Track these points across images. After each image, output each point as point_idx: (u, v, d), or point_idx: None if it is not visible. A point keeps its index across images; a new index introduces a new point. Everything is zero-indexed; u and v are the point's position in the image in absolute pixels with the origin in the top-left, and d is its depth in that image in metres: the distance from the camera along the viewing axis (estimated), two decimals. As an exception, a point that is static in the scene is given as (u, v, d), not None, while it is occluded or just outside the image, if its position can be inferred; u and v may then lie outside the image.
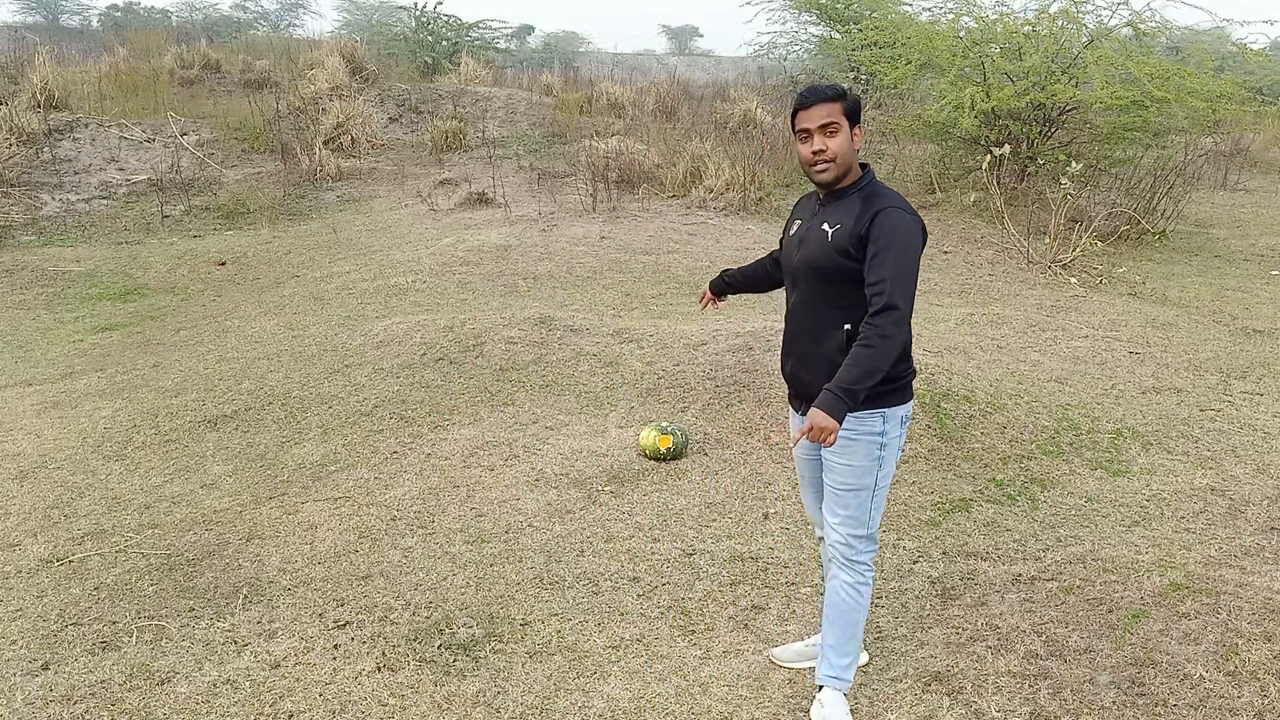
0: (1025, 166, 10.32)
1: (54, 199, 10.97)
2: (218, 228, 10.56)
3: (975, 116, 9.45)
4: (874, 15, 13.52)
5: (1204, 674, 2.89)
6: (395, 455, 4.61)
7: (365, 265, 8.32)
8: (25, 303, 8.00)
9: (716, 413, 4.95)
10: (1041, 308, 7.40)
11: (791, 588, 3.52)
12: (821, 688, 2.79)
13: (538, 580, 3.56)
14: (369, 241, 9.48)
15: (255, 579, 3.58)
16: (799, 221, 2.77)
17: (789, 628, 3.28)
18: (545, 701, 2.90)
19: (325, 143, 12.91)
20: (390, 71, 17.34)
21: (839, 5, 16.61)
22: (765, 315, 6.25)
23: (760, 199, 10.52)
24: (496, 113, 15.11)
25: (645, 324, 6.10)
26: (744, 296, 5.57)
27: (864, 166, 2.66)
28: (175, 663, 3.07)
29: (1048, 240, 8.69)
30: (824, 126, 2.53)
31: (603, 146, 11.79)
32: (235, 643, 3.18)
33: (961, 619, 3.27)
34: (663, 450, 4.47)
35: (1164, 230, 9.67)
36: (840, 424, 2.42)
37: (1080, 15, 9.70)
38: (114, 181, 11.65)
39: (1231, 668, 2.91)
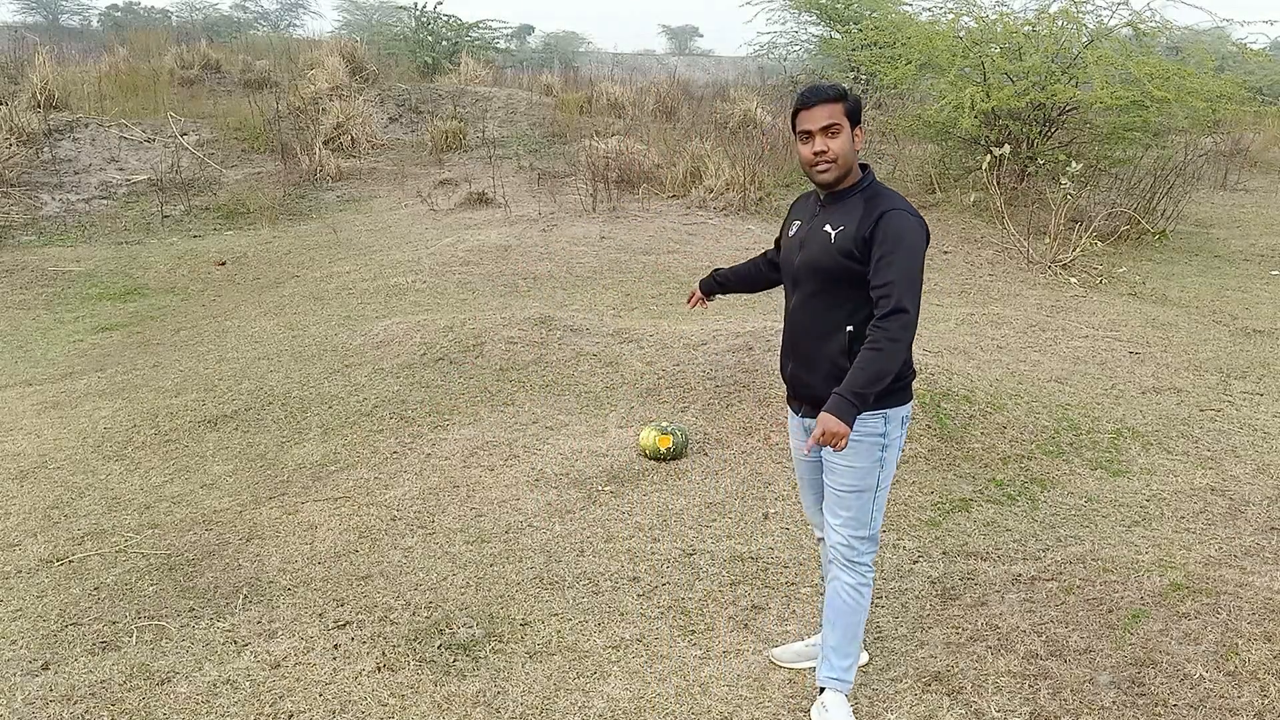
0: (1025, 166, 10.33)
1: (54, 199, 10.98)
2: (218, 228, 10.56)
3: (975, 116, 9.45)
4: (874, 15, 13.52)
5: (1204, 674, 2.89)
6: (395, 455, 4.61)
7: (365, 265, 8.32)
8: (25, 303, 8.00)
9: (716, 413, 4.95)
10: (1041, 308, 7.40)
11: (791, 588, 3.52)
12: (823, 690, 2.78)
13: (538, 580, 3.56)
14: (369, 241, 9.48)
15: (255, 579, 3.58)
16: (798, 223, 2.75)
17: (789, 628, 3.28)
18: (545, 701, 2.90)
19: (325, 143, 12.91)
20: (390, 71, 17.34)
21: (839, 5, 16.61)
22: (765, 315, 6.26)
23: (760, 199, 10.52)
24: (496, 113, 15.11)
25: (645, 324, 6.10)
26: (743, 296, 5.57)
27: (864, 167, 2.64)
28: (175, 663, 3.07)
29: (1048, 240, 8.69)
30: (826, 128, 2.52)
31: (603, 146, 11.79)
32: (235, 643, 3.18)
33: (961, 619, 3.27)
34: (663, 450, 4.47)
35: (1164, 230, 9.67)
36: (851, 428, 2.41)
37: (1080, 15, 9.70)
38: (114, 181, 11.65)
39: (1231, 668, 2.91)
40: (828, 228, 2.59)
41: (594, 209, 10.10)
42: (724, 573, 3.62)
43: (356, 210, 11.12)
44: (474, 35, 20.93)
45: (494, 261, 8.05)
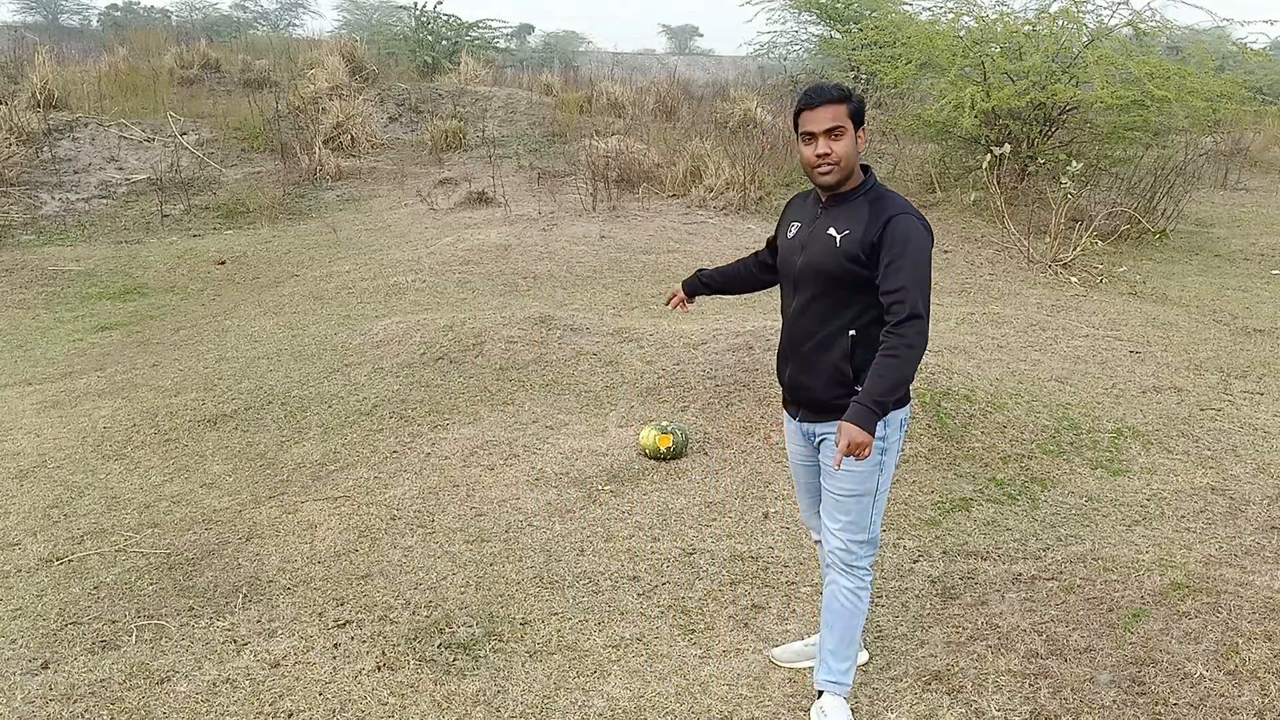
0: (1025, 166, 10.32)
1: (54, 198, 10.97)
2: (217, 227, 10.56)
3: (975, 116, 9.44)
4: (874, 15, 13.52)
5: (1204, 673, 2.89)
6: (395, 455, 4.61)
7: (365, 264, 8.32)
8: (25, 302, 8.00)
9: (716, 412, 4.95)
10: (1042, 307, 7.40)
11: (791, 587, 3.52)
12: (821, 693, 2.77)
13: (538, 579, 3.56)
14: (369, 241, 9.48)
15: (255, 578, 3.58)
16: (797, 224, 2.71)
17: (789, 627, 3.28)
18: (545, 701, 2.90)
19: (325, 142, 12.90)
20: (390, 71, 17.34)
21: (839, 5, 16.61)
22: (765, 315, 6.25)
23: (760, 198, 10.52)
24: (496, 112, 15.11)
25: (645, 323, 6.10)
26: (744, 295, 5.56)
27: (865, 169, 2.61)
28: (175, 662, 3.07)
29: (1048, 240, 8.69)
30: (829, 130, 2.48)
31: (603, 146, 11.78)
32: (235, 642, 3.18)
33: (961, 618, 3.27)
34: (663, 450, 4.47)
35: (1164, 230, 9.67)
36: (874, 436, 2.38)
37: (1080, 15, 9.70)
38: (114, 181, 11.65)
39: (1232, 667, 2.91)
40: (832, 231, 2.55)
41: (594, 208, 10.10)
42: (724, 572, 3.61)
43: (356, 210, 11.12)
44: (474, 35, 20.93)
45: (494, 261, 8.05)
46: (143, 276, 8.76)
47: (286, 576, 3.59)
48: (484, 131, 14.21)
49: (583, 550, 3.77)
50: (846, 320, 2.55)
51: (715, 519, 4.02)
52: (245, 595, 3.46)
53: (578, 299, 7.07)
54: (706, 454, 4.58)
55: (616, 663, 3.08)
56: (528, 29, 40.43)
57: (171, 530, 3.95)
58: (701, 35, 52.49)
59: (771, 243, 2.94)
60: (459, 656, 3.10)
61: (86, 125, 12.62)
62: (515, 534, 3.89)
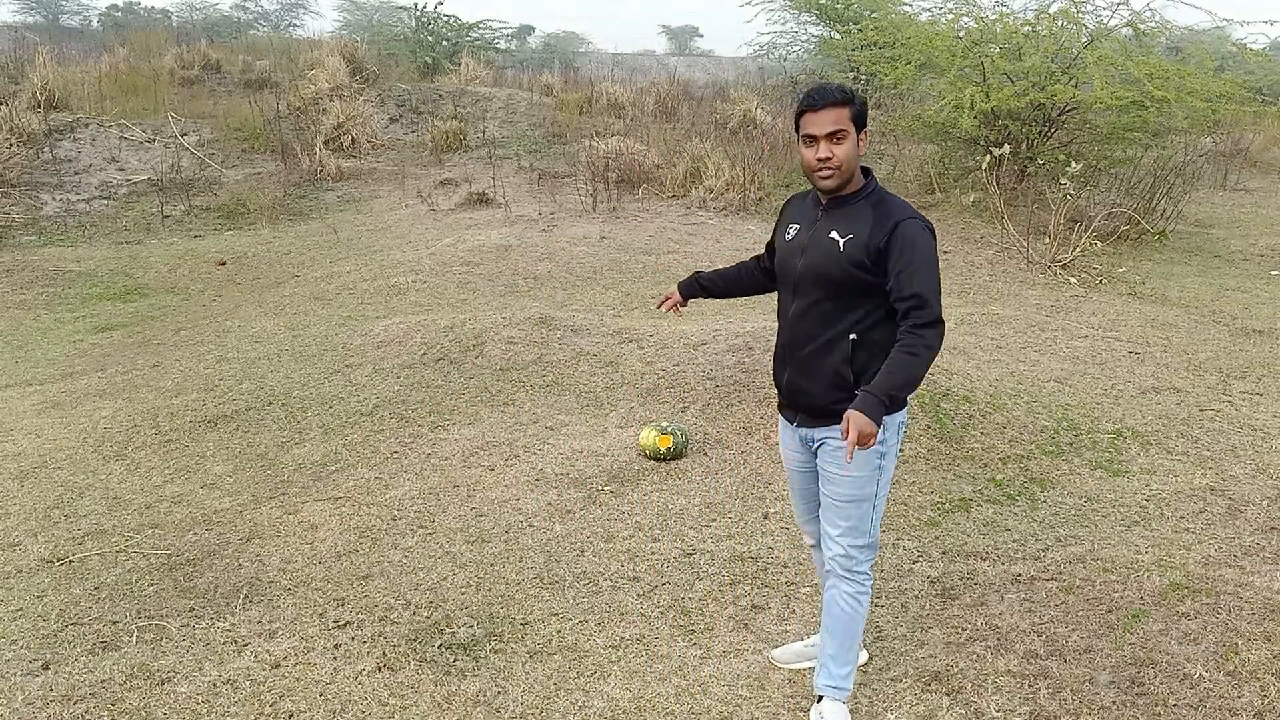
0: (1025, 166, 10.33)
1: (54, 199, 10.98)
2: (218, 228, 10.56)
3: (975, 116, 9.44)
4: (874, 15, 13.52)
5: (1204, 674, 2.89)
6: (395, 455, 4.62)
7: (365, 265, 8.32)
8: (25, 302, 8.00)
9: (716, 413, 4.95)
10: (1041, 308, 7.40)
11: (791, 587, 3.53)
12: (821, 697, 2.77)
13: (538, 580, 3.56)
14: (369, 241, 9.48)
15: (255, 579, 3.58)
16: (796, 226, 2.67)
17: (789, 627, 3.28)
18: (545, 701, 2.90)
19: (325, 143, 12.91)
20: (390, 72, 17.34)
21: (839, 5, 16.61)
22: (765, 315, 6.26)
23: (760, 199, 10.52)
24: (496, 113, 15.12)
25: (645, 324, 6.11)
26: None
27: (866, 171, 2.58)
28: (175, 662, 3.07)
29: (1047, 240, 8.69)
30: (831, 134, 2.44)
31: (603, 147, 11.79)
32: (235, 642, 3.18)
33: (961, 619, 3.28)
34: (663, 450, 4.47)
35: (1164, 230, 9.67)
36: (879, 429, 2.36)
37: (1080, 15, 9.70)
38: (114, 181, 11.66)
39: (1231, 667, 2.92)
40: (834, 235, 2.53)
41: (594, 209, 10.11)
42: (724, 572, 3.62)
43: (357, 210, 11.12)
44: (474, 35, 20.93)
45: (494, 261, 8.06)
46: (143, 277, 8.76)
47: (287, 577, 3.59)
48: (484, 132, 14.22)
49: (583, 551, 3.77)
50: (848, 324, 2.53)
51: (715, 519, 4.02)
52: (246, 596, 3.47)
53: (578, 300, 7.07)
54: (706, 454, 4.59)
55: (616, 663, 3.08)
56: (528, 30, 40.44)
57: (172, 531, 3.96)
58: (701, 36, 52.49)
59: (771, 246, 2.89)
60: (459, 657, 3.10)
61: (87, 126, 12.63)
62: (515, 534, 3.89)
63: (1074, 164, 8.60)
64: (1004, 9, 10.57)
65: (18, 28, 28.35)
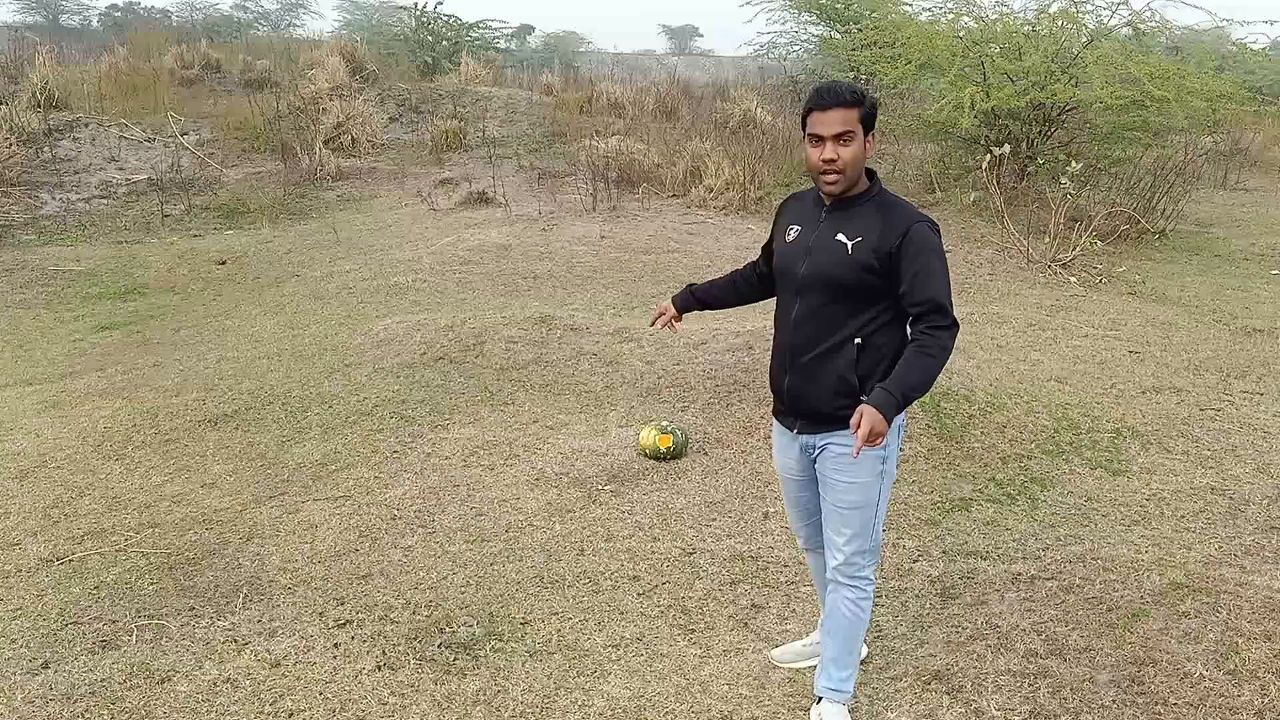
0: (1025, 166, 10.32)
1: (54, 198, 10.98)
2: (218, 227, 10.56)
3: (975, 116, 9.44)
4: (874, 15, 13.52)
5: (1204, 673, 2.89)
6: (395, 455, 4.62)
7: (365, 264, 8.32)
8: (25, 302, 8.00)
9: (716, 412, 4.95)
10: (1041, 307, 7.40)
11: (791, 587, 3.53)
12: (820, 699, 2.76)
13: (538, 579, 3.56)
14: (369, 241, 9.48)
15: (255, 578, 3.58)
16: (797, 227, 2.59)
17: (789, 627, 3.28)
18: (545, 700, 2.90)
19: (325, 142, 12.91)
20: (390, 71, 17.33)
21: (839, 5, 16.61)
22: (765, 315, 6.24)
23: (760, 198, 10.52)
24: (496, 112, 15.11)
25: (645, 323, 6.10)
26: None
27: (870, 173, 2.52)
28: (175, 662, 3.07)
29: (1047, 240, 8.69)
30: (838, 135, 2.38)
31: (603, 146, 11.78)
32: (235, 642, 3.18)
33: (961, 618, 3.28)
34: (663, 450, 4.47)
35: (1164, 230, 9.66)
36: (890, 427, 2.31)
37: (1080, 15, 9.70)
38: (114, 181, 11.65)
39: (1231, 667, 2.91)
40: (841, 237, 2.46)
41: (594, 208, 10.10)
42: (724, 572, 3.62)
43: (357, 209, 11.12)
44: (474, 35, 20.94)
45: (494, 261, 8.06)
46: (143, 276, 8.76)
47: (287, 576, 3.59)
48: (484, 132, 14.22)
49: (583, 550, 3.77)
50: (853, 329, 2.47)
51: (715, 519, 4.02)
52: (246, 595, 3.47)
53: (578, 299, 7.07)
54: (706, 454, 4.59)
55: (616, 663, 3.08)
56: (528, 29, 40.43)
57: (172, 530, 3.96)
58: (701, 35, 52.55)
59: (767, 250, 2.81)
60: (459, 656, 3.10)
61: (87, 125, 12.63)
62: (515, 534, 3.89)
63: (1074, 163, 8.59)
64: (1004, 9, 10.58)
65: (18, 28, 28.35)
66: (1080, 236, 8.49)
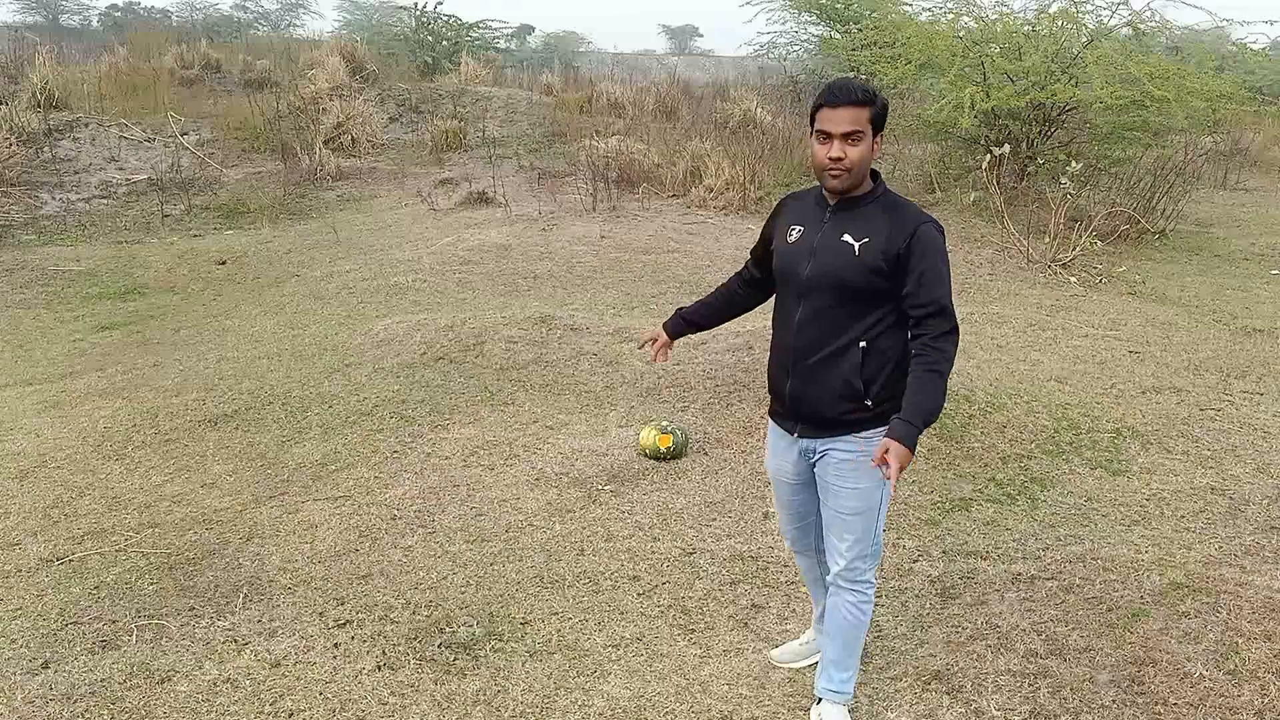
0: (1025, 166, 10.32)
1: (54, 198, 10.98)
2: (218, 227, 10.56)
3: (975, 116, 9.44)
4: (874, 15, 13.52)
5: (1204, 673, 2.89)
6: (395, 455, 4.62)
7: (365, 264, 8.32)
8: (25, 302, 8.00)
9: (716, 412, 4.95)
10: (1041, 307, 7.40)
11: (791, 587, 3.53)
12: (820, 699, 2.76)
13: (538, 579, 3.56)
14: (369, 241, 9.48)
15: (255, 578, 3.58)
16: (799, 228, 2.53)
17: (789, 626, 3.28)
18: (545, 700, 2.90)
19: (325, 142, 12.91)
20: (390, 71, 17.34)
21: (839, 5, 16.62)
22: (765, 315, 6.24)
23: (760, 198, 10.52)
24: (496, 112, 15.11)
25: (645, 323, 6.11)
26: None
27: (874, 174, 2.49)
28: (175, 661, 3.07)
29: (1047, 240, 8.69)
30: (847, 134, 2.34)
31: (603, 146, 11.79)
32: (235, 642, 3.18)
33: (961, 618, 3.28)
34: (663, 450, 4.47)
35: (1164, 230, 9.66)
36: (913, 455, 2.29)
37: (1080, 15, 9.70)
38: (114, 181, 11.65)
39: (1231, 666, 2.91)
40: (848, 238, 2.42)
41: (594, 208, 10.10)
42: (724, 572, 3.62)
43: (357, 209, 11.12)
44: (474, 35, 20.95)
45: (494, 261, 8.06)
46: (143, 276, 8.75)
47: (287, 576, 3.59)
48: (484, 132, 14.22)
49: (583, 550, 3.77)
50: (858, 332, 2.43)
51: (715, 519, 4.02)
52: (246, 595, 3.47)
53: (578, 299, 7.07)
54: (706, 454, 4.59)
55: (616, 663, 3.08)
56: (528, 29, 40.44)
57: (172, 530, 3.96)
58: (701, 35, 52.56)
59: (756, 254, 2.77)
60: (459, 656, 3.10)
61: (87, 125, 12.63)
62: (515, 534, 3.89)
63: (1074, 163, 8.59)
64: (1004, 9, 10.58)
65: (18, 28, 28.35)
66: (1080, 236, 8.49)
